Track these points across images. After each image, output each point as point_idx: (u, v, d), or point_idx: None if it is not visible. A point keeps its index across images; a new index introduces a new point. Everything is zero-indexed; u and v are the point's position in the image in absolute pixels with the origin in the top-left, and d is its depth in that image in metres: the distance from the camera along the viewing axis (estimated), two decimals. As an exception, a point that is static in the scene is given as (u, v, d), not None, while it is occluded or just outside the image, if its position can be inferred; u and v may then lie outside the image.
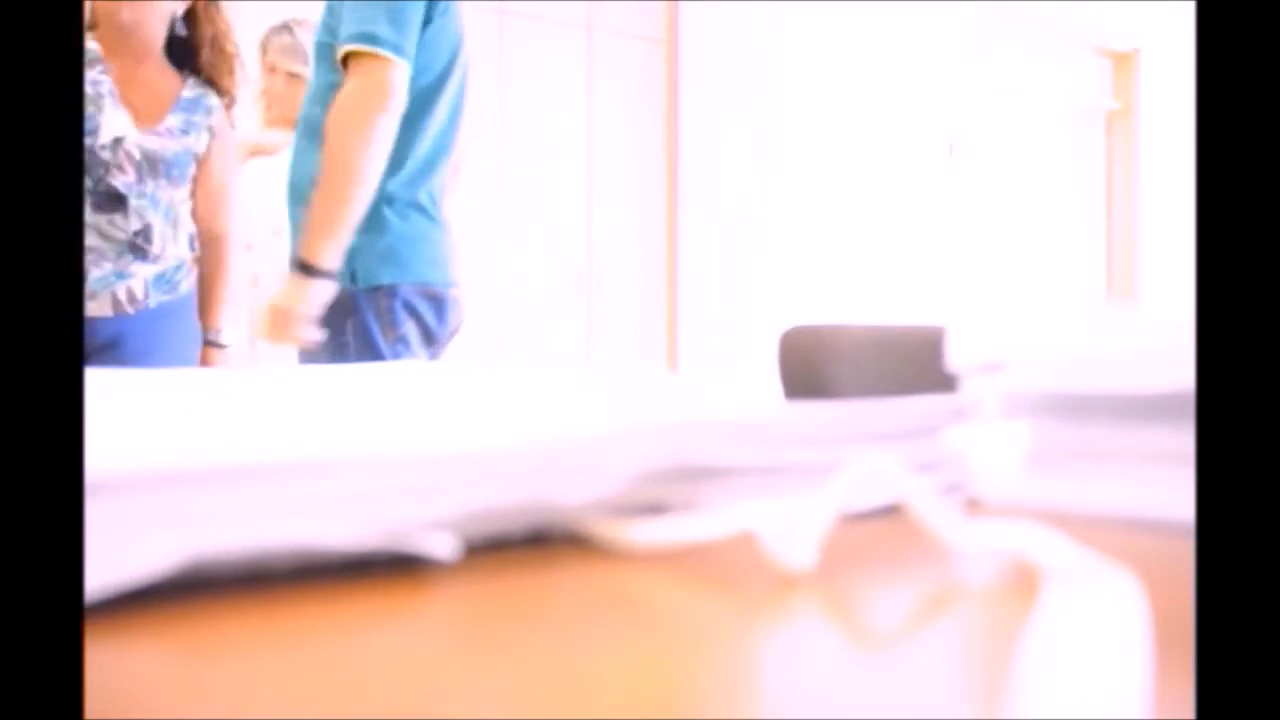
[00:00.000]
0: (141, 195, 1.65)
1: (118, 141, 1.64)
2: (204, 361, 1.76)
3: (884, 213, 3.68)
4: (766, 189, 3.46)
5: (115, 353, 1.62)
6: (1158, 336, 0.28)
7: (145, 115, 1.69)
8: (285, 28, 2.04)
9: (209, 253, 1.79)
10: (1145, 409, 0.29)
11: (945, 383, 0.35)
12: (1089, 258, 4.53)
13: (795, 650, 0.18)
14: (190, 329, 1.74)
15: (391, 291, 1.40)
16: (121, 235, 1.64)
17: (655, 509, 0.27)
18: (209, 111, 1.76)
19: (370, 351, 1.39)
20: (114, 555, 0.19)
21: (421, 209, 1.45)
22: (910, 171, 3.76)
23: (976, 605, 0.21)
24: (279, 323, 1.37)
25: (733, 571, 0.23)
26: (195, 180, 1.75)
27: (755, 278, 3.46)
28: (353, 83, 1.33)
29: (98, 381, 0.37)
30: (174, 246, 1.70)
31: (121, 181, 1.64)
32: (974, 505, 0.32)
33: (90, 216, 1.62)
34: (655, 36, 3.49)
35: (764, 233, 3.46)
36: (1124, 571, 0.20)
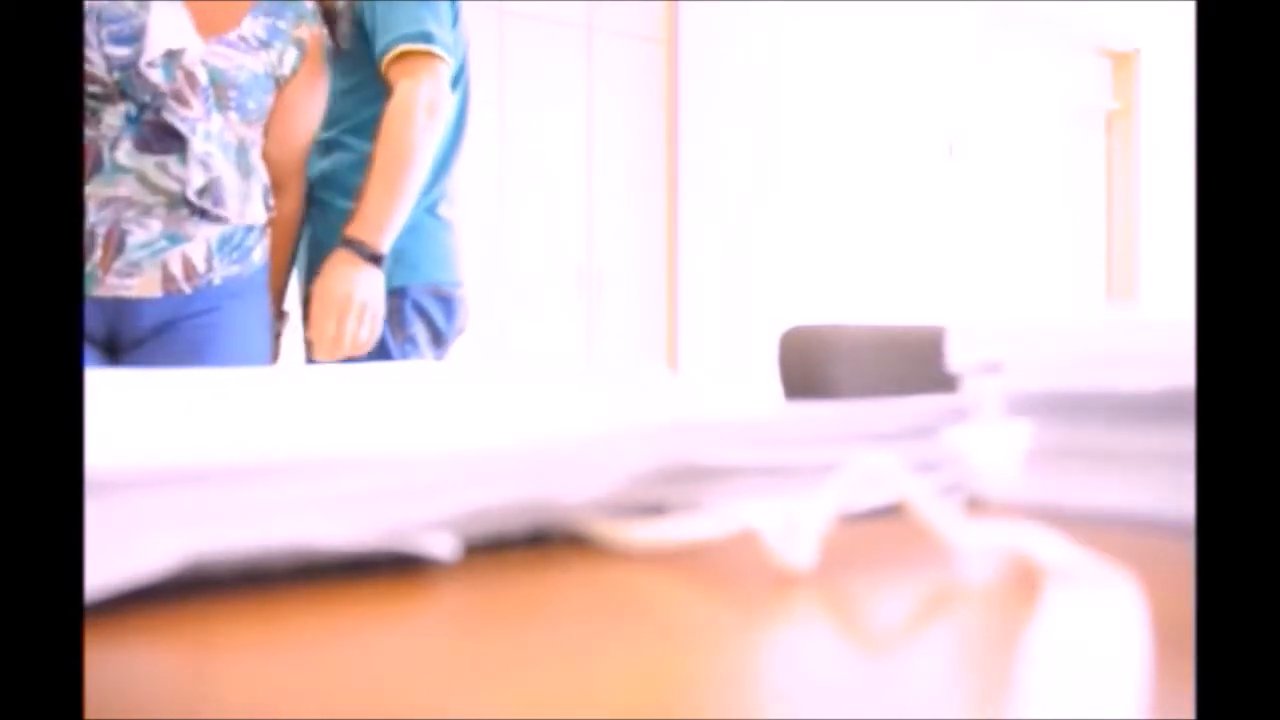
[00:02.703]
0: (209, 136, 1.15)
1: (172, 56, 1.13)
2: (278, 356, 1.37)
3: (884, 213, 3.68)
4: (766, 189, 3.47)
5: (167, 345, 1.17)
6: (1158, 336, 0.28)
7: (212, 17, 1.18)
8: None
9: (285, 215, 1.32)
10: (1144, 409, 0.29)
11: (945, 383, 0.35)
12: (1089, 258, 4.53)
13: (795, 650, 0.18)
14: (265, 313, 1.30)
15: (402, 292, 1.41)
16: (174, 185, 1.15)
17: (655, 509, 0.27)
18: (301, 18, 1.25)
19: (379, 352, 1.39)
20: (114, 555, 0.19)
21: (431, 210, 1.45)
22: (910, 172, 3.76)
23: (976, 605, 0.21)
24: (356, 320, 1.29)
25: (733, 571, 0.23)
26: (272, 114, 1.25)
27: (755, 278, 3.46)
28: (410, 81, 1.32)
29: (98, 381, 0.37)
30: (247, 203, 1.22)
31: (181, 116, 1.14)
32: (974, 505, 0.32)
33: (131, 157, 1.13)
34: (655, 36, 3.49)
35: (764, 233, 3.47)
36: (1124, 571, 0.20)
